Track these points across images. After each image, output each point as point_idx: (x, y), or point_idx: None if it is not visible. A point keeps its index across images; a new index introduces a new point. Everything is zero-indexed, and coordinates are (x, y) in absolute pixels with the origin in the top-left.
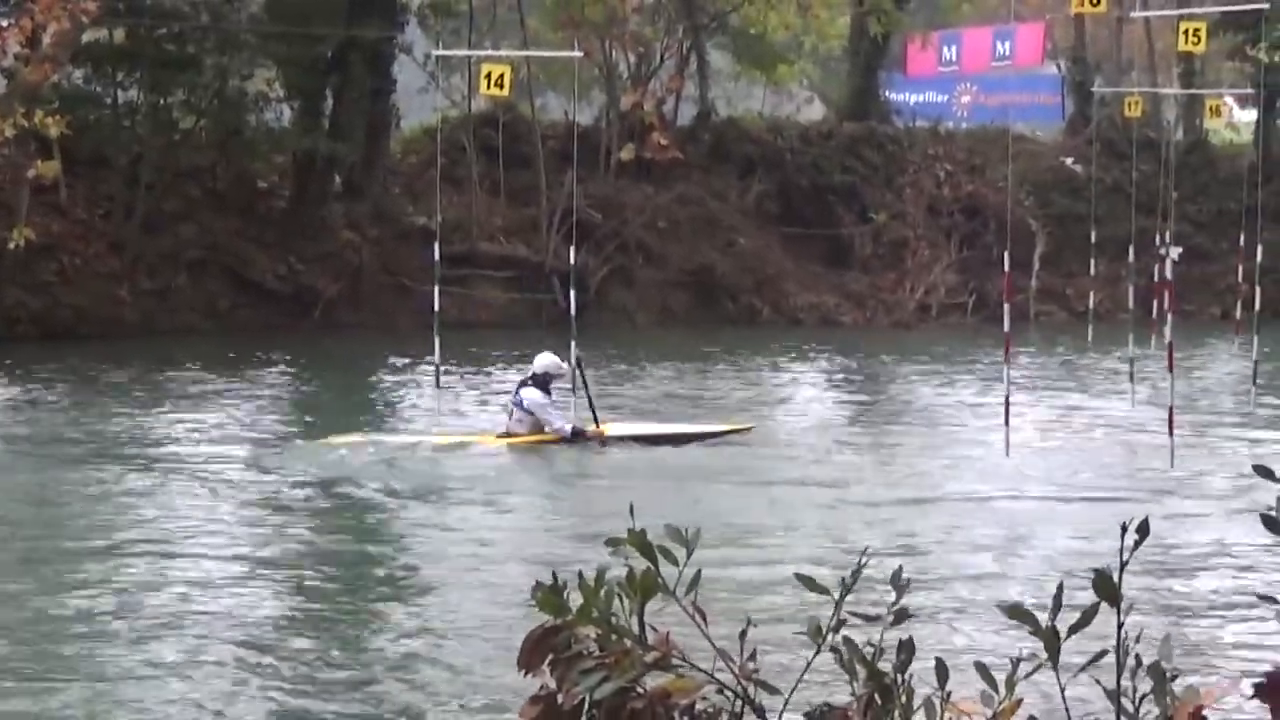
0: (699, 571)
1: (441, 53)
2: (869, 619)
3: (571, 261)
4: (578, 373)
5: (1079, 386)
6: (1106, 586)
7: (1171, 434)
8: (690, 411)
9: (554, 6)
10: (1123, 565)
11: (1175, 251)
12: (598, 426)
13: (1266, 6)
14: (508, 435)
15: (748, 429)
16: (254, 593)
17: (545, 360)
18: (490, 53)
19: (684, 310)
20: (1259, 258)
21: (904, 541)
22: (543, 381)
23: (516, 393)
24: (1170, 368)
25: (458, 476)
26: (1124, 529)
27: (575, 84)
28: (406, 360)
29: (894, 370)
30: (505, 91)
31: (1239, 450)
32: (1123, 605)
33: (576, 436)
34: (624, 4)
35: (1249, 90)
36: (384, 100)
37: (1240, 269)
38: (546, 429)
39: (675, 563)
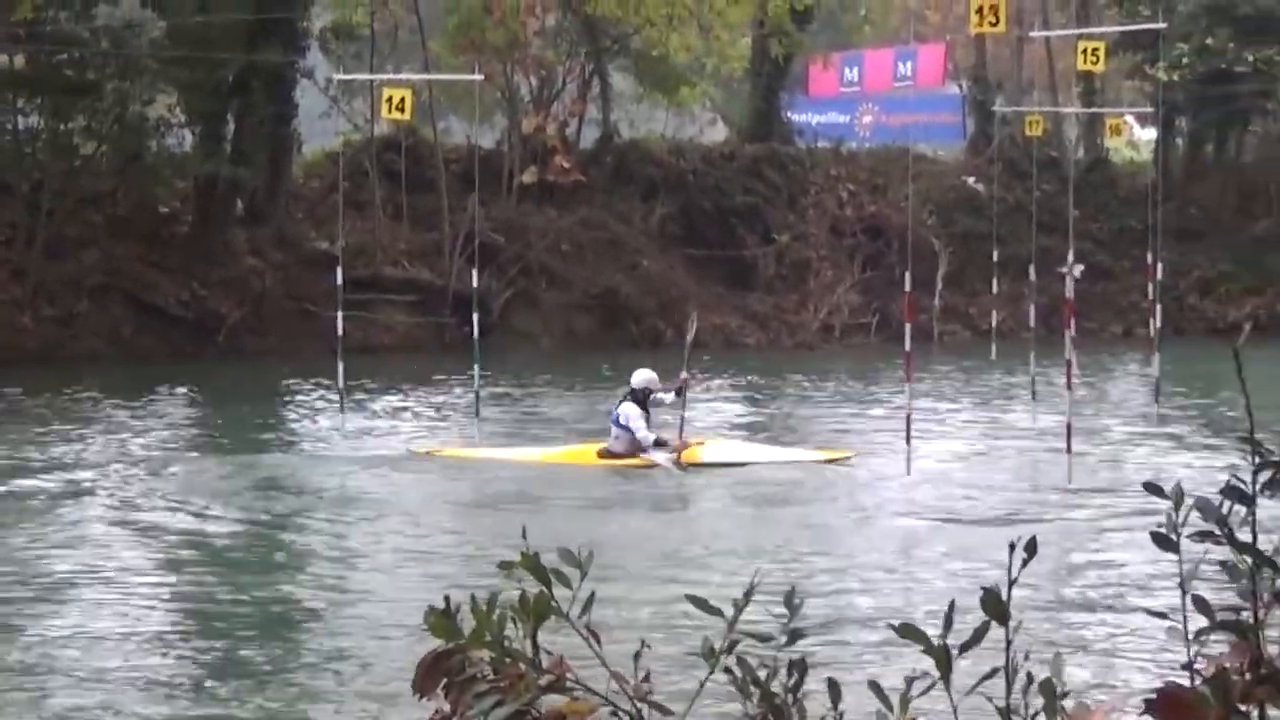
0: (593, 593)
1: (343, 76)
2: (763, 639)
3: (474, 285)
4: (678, 392)
5: (981, 405)
6: (995, 604)
7: (1069, 450)
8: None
9: (455, 30)
10: (1011, 583)
11: (1077, 269)
12: (680, 442)
13: (1164, 26)
14: (607, 453)
15: (849, 457)
16: (147, 620)
17: (643, 376)
18: (391, 76)
19: (588, 333)
20: (1159, 275)
21: (802, 561)
22: (641, 397)
23: (615, 409)
24: (1069, 385)
25: (373, 493)
26: (1012, 547)
27: (477, 107)
28: (311, 385)
29: (797, 391)
30: (407, 115)
31: (1138, 467)
32: (1013, 623)
33: (658, 445)
34: (525, 27)
35: (1148, 109)
36: (286, 125)
37: (1150, 287)
38: (635, 435)
39: (569, 585)
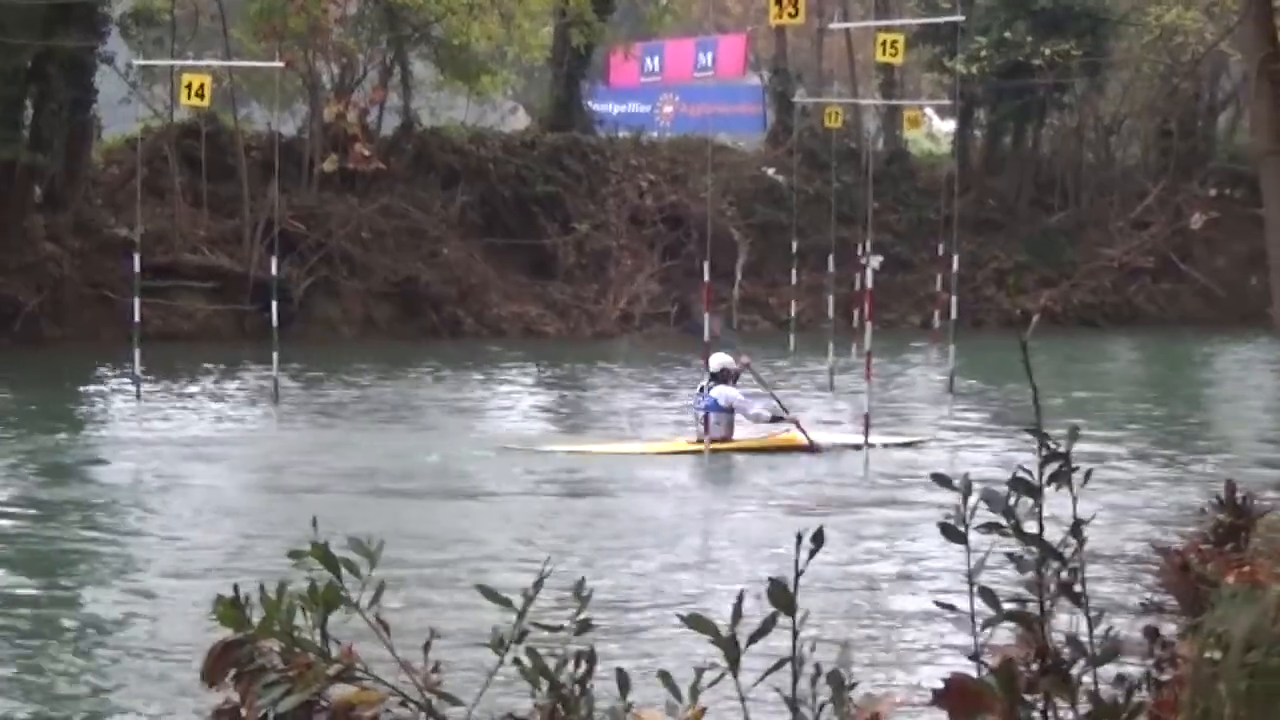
0: (382, 583)
1: (143, 63)
2: (552, 630)
3: (274, 272)
4: (752, 372)
5: (779, 395)
6: (782, 596)
7: (866, 442)
8: (408, 423)
9: (257, 17)
10: (798, 574)
11: (876, 260)
12: (788, 416)
13: (963, 19)
14: (715, 441)
15: (924, 441)
16: None
17: (721, 359)
18: (192, 63)
19: (388, 321)
20: (955, 267)
21: (591, 552)
22: (723, 380)
23: (704, 396)
24: (868, 376)
25: (166, 480)
26: (799, 539)
27: (278, 94)
28: (108, 372)
29: (594, 380)
30: (206, 102)
31: (930, 458)
32: (800, 614)
33: (775, 421)
34: (327, 15)
35: (947, 101)
36: (85, 110)
37: (940, 278)
38: (744, 416)
39: (358, 575)
